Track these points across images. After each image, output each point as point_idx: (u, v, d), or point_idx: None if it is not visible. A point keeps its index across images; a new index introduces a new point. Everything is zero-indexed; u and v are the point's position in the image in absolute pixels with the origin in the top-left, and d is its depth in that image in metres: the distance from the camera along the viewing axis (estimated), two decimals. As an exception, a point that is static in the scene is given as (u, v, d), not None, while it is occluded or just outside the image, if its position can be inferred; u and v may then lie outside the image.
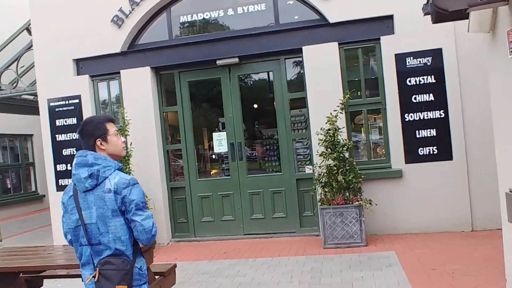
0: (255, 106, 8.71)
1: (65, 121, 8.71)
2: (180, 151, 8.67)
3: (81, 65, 8.64)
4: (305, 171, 8.00)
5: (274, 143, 8.29)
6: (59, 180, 8.76)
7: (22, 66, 9.97)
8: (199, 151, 8.68)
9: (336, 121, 7.03)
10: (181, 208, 8.57)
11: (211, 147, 8.63)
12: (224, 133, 8.32)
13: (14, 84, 9.73)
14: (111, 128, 2.87)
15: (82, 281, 2.85)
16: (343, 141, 7.06)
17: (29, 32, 9.21)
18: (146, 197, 7.92)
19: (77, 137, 2.92)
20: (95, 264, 2.73)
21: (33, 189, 16.80)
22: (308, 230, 7.97)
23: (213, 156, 8.64)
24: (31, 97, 11.58)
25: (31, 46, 9.22)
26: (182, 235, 8.57)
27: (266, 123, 8.57)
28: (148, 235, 2.76)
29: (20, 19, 10.50)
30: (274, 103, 8.09)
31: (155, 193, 8.23)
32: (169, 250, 8.07)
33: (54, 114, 8.75)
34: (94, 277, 2.70)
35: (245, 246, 7.69)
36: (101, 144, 2.80)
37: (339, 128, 7.06)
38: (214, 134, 8.39)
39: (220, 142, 8.29)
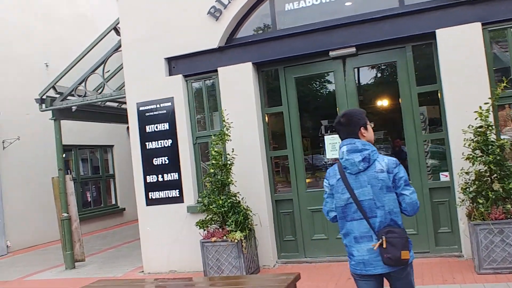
0: (375, 103, 7.48)
1: (156, 127, 7.86)
2: (283, 159, 7.61)
3: (174, 64, 7.78)
4: (439, 179, 6.68)
5: (398, 146, 7.04)
6: (149, 193, 7.89)
7: (108, 71, 9.27)
8: (307, 157, 7.58)
9: (488, 117, 5.70)
10: (288, 224, 7.47)
11: (321, 153, 7.50)
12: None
13: (100, 90, 9.05)
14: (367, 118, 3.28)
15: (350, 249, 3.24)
16: (498, 141, 5.70)
17: (117, 32, 8.49)
18: (251, 211, 6.91)
19: (335, 126, 3.31)
20: (376, 234, 3.07)
21: (113, 202, 16.31)
22: (446, 249, 6.63)
23: (325, 163, 7.48)
24: (115, 104, 10.93)
25: (119, 47, 8.50)
26: (290, 255, 7.47)
27: (390, 122, 7.34)
28: (414, 206, 3.14)
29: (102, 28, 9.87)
30: (399, 99, 6.85)
31: (259, 207, 7.17)
32: (276, 273, 6.98)
33: (144, 119, 7.94)
34: (381, 244, 3.01)
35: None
36: (364, 131, 3.21)
37: (491, 125, 5.72)
38: (326, 137, 7.24)
39: (333, 146, 7.12)
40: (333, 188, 3.23)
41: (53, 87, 9.20)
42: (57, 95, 9.31)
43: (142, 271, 8.05)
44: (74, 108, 9.42)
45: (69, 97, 9.33)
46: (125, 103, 10.25)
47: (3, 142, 12.35)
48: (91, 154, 15.65)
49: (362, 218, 3.10)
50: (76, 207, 9.35)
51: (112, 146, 16.39)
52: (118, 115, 11.11)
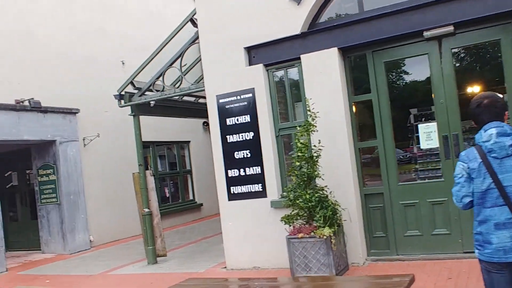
0: (476, 87, 6.82)
1: (237, 120, 7.60)
2: (371, 150, 7.13)
3: (253, 53, 7.47)
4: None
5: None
6: (231, 188, 7.65)
7: (185, 65, 9.13)
8: (398, 147, 7.04)
9: None
10: (378, 219, 6.97)
11: (414, 143, 6.94)
12: (434, 123, 6.57)
13: (177, 84, 8.92)
14: None
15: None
16: None
17: (194, 23, 8.31)
18: (339, 205, 6.48)
19: (474, 110, 3.18)
20: None
21: (191, 197, 16.36)
22: None
23: (418, 154, 6.91)
24: (192, 99, 10.82)
25: (196, 39, 8.32)
26: (380, 253, 6.97)
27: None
28: None
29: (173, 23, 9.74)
30: (504, 82, 6.17)
31: (347, 201, 6.73)
32: (366, 271, 6.52)
33: (224, 112, 7.70)
34: None
35: (470, 268, 5.86)
36: (507, 116, 3.16)
37: None
38: (420, 125, 6.68)
39: (428, 136, 6.56)
40: (474, 172, 3.06)
41: (131, 83, 9.18)
42: (136, 91, 9.28)
43: (225, 267, 7.84)
44: (152, 103, 9.35)
45: (147, 93, 9.29)
46: (202, 97, 10.13)
47: (83, 139, 12.61)
48: (168, 150, 15.75)
49: (504, 204, 2.97)
50: (157, 202, 9.30)
51: (189, 142, 16.43)
52: (195, 110, 11.01)
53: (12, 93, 10.98)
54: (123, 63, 14.02)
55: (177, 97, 9.67)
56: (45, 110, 11.36)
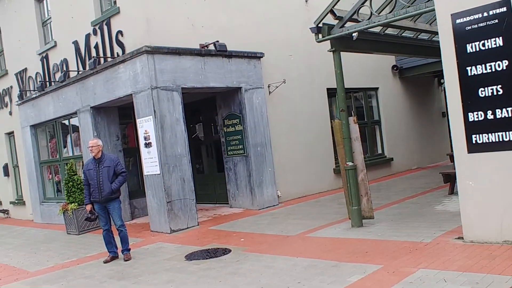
0: None
1: (482, 45, 5.67)
2: None
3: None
4: None
5: None
6: (473, 136, 5.80)
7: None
8: None
9: None
10: None
11: None
12: None
13: (387, 10, 7.18)
14: None
15: None
16: None
17: None
18: None
19: None
20: None
21: (380, 151, 14.66)
22: None
23: None
24: (395, 32, 9.00)
25: None
26: None
27: None
28: None
29: None
30: None
31: None
32: None
33: (462, 36, 5.81)
34: None
35: None
36: None
37: None
38: None
39: None
40: None
41: (331, 11, 7.65)
42: (335, 22, 7.76)
43: (461, 238, 6.11)
44: (355, 35, 7.74)
45: (348, 23, 7.72)
46: (413, 30, 8.34)
47: (268, 86, 11.57)
48: (354, 98, 14.14)
49: None
50: (362, 155, 7.82)
51: (377, 89, 14.65)
52: (409, 46, 9.18)
53: (196, 37, 10.25)
54: (306, 1, 12.62)
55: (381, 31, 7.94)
56: (230, 55, 10.44)
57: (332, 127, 8.14)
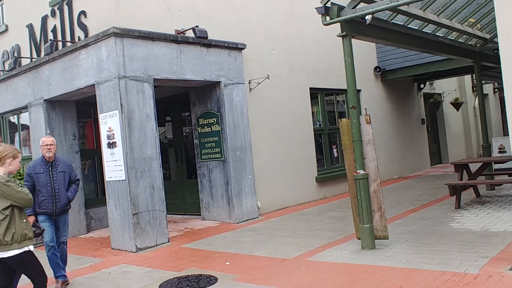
0: None
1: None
2: None
3: None
4: None
5: None
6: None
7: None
8: None
9: None
10: None
11: None
12: None
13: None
14: None
15: None
16: None
17: None
18: None
19: None
20: None
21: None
22: None
23: None
24: (416, 27, 7.81)
25: None
26: None
27: None
28: None
29: None
30: None
31: None
32: None
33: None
34: None
35: None
36: None
37: None
38: None
39: None
40: None
41: (343, -11, 6.38)
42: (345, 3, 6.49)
43: (518, 269, 4.89)
44: (368, 18, 6.49)
45: (361, 4, 6.47)
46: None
47: (249, 82, 10.17)
48: (336, 100, 12.95)
49: None
50: (375, 162, 6.54)
51: (359, 91, 13.48)
52: (429, 41, 8.02)
53: (171, 22, 8.77)
54: (290, -9, 11.34)
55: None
56: (209, 44, 8.97)
57: (339, 127, 6.83)
